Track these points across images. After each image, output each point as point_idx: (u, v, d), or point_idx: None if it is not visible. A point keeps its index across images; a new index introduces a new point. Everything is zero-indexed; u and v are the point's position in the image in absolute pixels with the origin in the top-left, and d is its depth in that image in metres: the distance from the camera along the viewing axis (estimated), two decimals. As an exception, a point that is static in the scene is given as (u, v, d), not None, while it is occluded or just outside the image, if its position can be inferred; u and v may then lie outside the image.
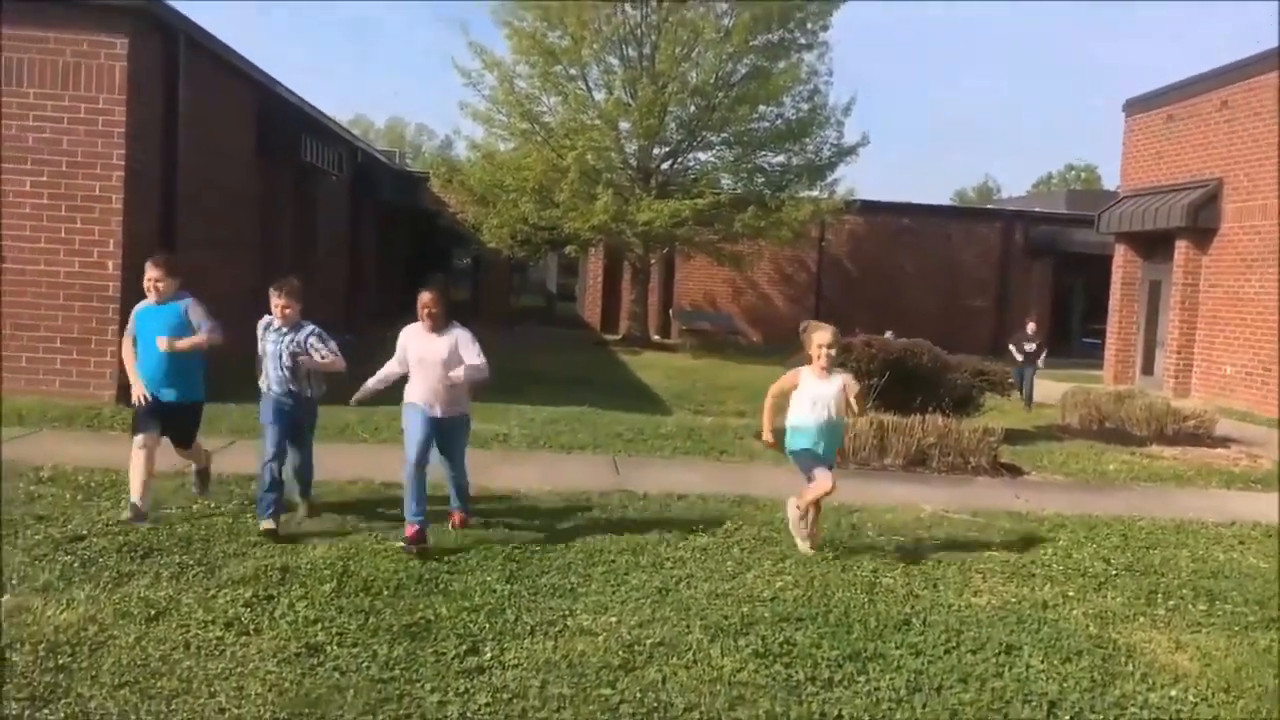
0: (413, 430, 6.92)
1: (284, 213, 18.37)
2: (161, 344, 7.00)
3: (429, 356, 6.91)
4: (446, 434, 7.09)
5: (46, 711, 4.18)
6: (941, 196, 79.44)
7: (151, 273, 7.27)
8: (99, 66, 11.60)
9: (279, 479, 6.97)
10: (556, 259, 31.59)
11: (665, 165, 26.20)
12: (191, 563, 6.11)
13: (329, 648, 4.94)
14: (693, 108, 25.02)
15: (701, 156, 26.78)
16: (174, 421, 7.27)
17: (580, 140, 23.73)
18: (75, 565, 5.94)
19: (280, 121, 17.15)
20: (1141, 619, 6.18)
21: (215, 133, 14.40)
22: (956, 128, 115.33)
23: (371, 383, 7.22)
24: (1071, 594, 6.58)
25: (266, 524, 6.81)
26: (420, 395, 6.95)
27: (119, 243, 11.66)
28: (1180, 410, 14.37)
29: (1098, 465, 11.73)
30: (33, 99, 11.57)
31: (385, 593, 5.78)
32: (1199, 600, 6.60)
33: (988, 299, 31.50)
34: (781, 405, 7.29)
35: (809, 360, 7.16)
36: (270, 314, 7.18)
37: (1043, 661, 5.36)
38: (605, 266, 30.60)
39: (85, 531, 6.62)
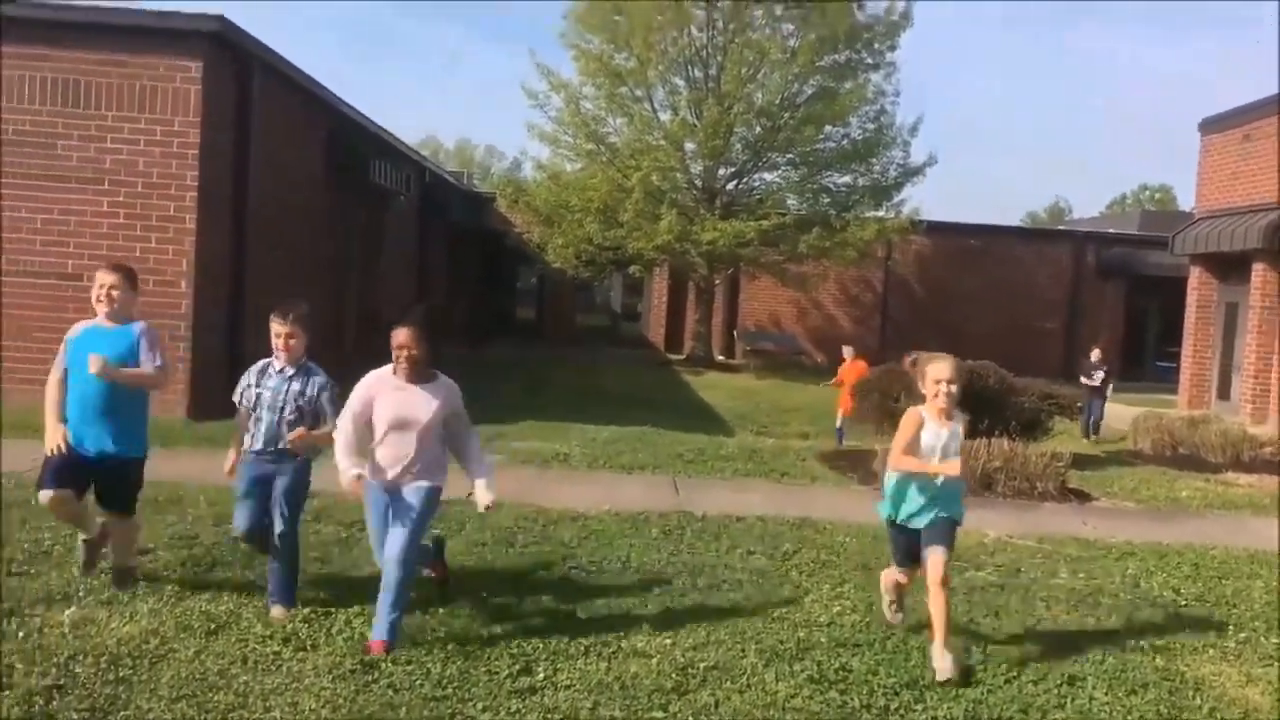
0: (374, 522, 5.47)
1: (352, 233, 18.66)
2: (93, 364, 5.38)
3: (405, 416, 5.27)
4: (397, 501, 5.33)
5: (106, 722, 4.25)
6: (1012, 218, 78.46)
7: (106, 278, 5.69)
8: (174, 90, 11.92)
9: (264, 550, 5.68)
10: (621, 279, 31.74)
11: (730, 186, 26.24)
12: (253, 577, 6.19)
13: (383, 664, 4.97)
14: (758, 128, 25.05)
15: (767, 177, 26.86)
16: (106, 480, 5.70)
17: (645, 161, 23.85)
18: (140, 578, 6.04)
19: (350, 143, 17.45)
20: (1211, 651, 5.99)
21: (286, 154, 14.69)
22: (1028, 148, 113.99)
23: (345, 462, 5.30)
24: (1139, 624, 6.41)
25: (275, 611, 5.53)
26: (384, 469, 5.34)
27: (191, 262, 11.95)
28: (1257, 436, 14.01)
29: (1170, 492, 11.46)
30: (111, 121, 11.92)
31: (440, 611, 5.80)
32: (1271, 633, 6.39)
33: (1057, 321, 30.99)
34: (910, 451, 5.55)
35: (923, 399, 5.67)
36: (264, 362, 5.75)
37: (1107, 693, 5.22)
38: (670, 286, 30.63)
39: (151, 545, 6.74)
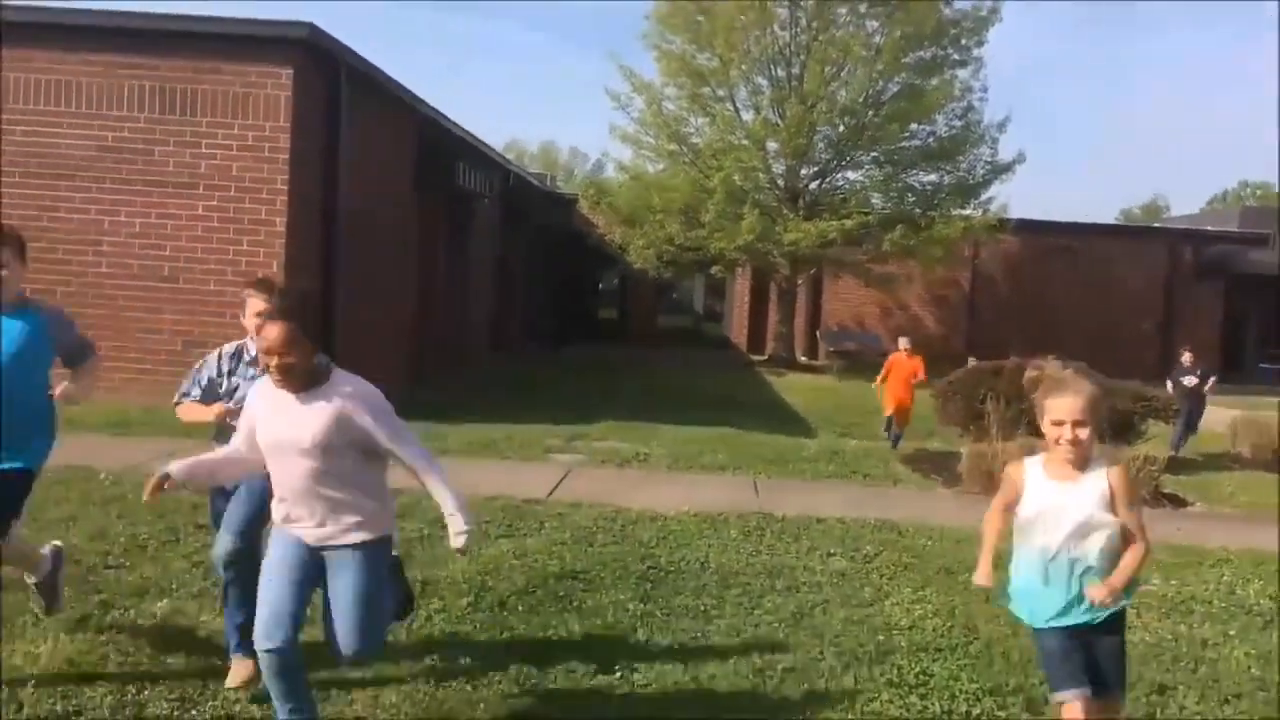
0: (266, 577, 3.95)
1: (437, 235, 18.90)
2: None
3: (284, 438, 3.86)
4: (329, 571, 3.99)
5: (194, 713, 4.36)
6: (1108, 215, 76.66)
7: None
8: (266, 96, 12.21)
9: (246, 589, 4.41)
10: (703, 280, 31.70)
11: (813, 185, 26.05)
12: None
13: (462, 661, 5.03)
14: (842, 127, 24.84)
15: (850, 176, 26.63)
16: None
17: (727, 161, 23.80)
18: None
19: (436, 146, 17.67)
20: (1312, 662, 5.79)
21: (373, 158, 14.93)
22: (1125, 143, 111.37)
23: (178, 468, 3.93)
24: (1233, 633, 6.22)
25: (237, 671, 4.59)
26: (279, 506, 3.97)
27: (281, 264, 12.22)
28: (1363, 440, 13.47)
29: (1269, 497, 11.08)
30: (205, 128, 12.25)
31: (520, 609, 5.85)
32: (1378, 645, 6.15)
33: (1152, 322, 30.18)
34: (1008, 527, 3.97)
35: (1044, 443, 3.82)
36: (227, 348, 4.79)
37: (1199, 703, 5.07)
38: (752, 287, 30.52)
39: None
